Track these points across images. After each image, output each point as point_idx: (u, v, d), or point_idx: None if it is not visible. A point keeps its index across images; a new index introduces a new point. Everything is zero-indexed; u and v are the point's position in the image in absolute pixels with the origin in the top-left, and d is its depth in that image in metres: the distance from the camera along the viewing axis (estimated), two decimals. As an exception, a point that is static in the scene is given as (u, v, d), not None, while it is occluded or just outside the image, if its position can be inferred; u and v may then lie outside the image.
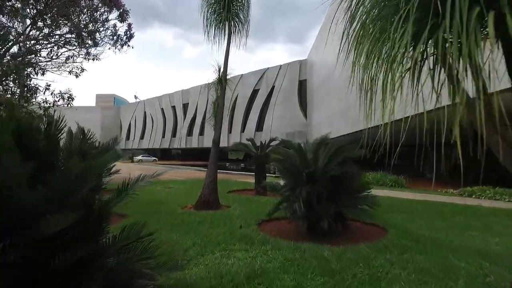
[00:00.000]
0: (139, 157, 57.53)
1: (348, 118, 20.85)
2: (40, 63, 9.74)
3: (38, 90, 8.49)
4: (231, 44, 7.52)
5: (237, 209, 7.29)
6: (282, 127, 41.43)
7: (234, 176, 18.63)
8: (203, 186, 7.63)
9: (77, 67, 10.49)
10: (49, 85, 8.79)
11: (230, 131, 49.33)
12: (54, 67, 10.20)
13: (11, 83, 8.94)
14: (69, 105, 9.20)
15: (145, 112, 69.28)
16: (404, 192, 11.49)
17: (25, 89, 7.97)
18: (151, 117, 67.27)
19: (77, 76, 10.49)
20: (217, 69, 7.58)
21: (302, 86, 44.06)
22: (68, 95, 9.12)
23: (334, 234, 5.01)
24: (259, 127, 45.29)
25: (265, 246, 4.32)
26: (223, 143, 48.25)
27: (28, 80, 8.07)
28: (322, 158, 5.26)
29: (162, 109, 64.54)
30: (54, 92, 8.98)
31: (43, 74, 8.73)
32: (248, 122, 46.26)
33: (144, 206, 7.53)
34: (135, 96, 67.89)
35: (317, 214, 4.88)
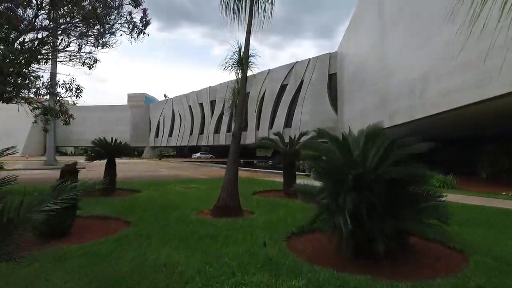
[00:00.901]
0: (198, 155, 61.40)
1: (386, 111, 18.96)
2: (49, 54, 9.00)
3: (31, 79, 7.68)
4: (253, 19, 6.28)
5: (261, 216, 6.06)
6: (311, 123, 39.74)
7: (261, 175, 17.44)
8: (221, 188, 6.48)
9: (89, 57, 9.69)
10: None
11: (258, 127, 48.50)
12: (66, 58, 9.45)
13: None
14: (77, 97, 8.42)
15: (173, 110, 69.90)
16: (459, 195, 9.73)
17: (19, 78, 7.17)
18: (179, 114, 67.71)
19: (90, 68, 9.70)
20: (237, 50, 6.34)
21: (332, 80, 42.20)
22: (76, 87, 8.31)
23: (390, 258, 3.65)
24: (288, 123, 43.93)
25: (297, 280, 3.04)
26: (250, 140, 47.40)
27: (25, 68, 7.26)
28: (373, 155, 3.91)
29: (190, 107, 64.72)
30: (59, 83, 8.17)
31: (46, 63, 7.97)
32: (276, 118, 45.00)
33: (155, 211, 6.50)
34: (164, 95, 68.55)
35: (368, 232, 3.55)
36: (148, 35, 10.53)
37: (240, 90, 6.60)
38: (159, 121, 74.60)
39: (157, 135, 74.90)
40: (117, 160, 8.63)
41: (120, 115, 78.65)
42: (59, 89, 8.40)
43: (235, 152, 6.56)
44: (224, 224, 5.33)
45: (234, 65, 6.42)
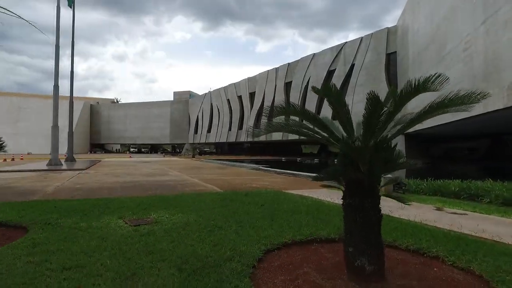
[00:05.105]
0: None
1: (496, 83, 12.08)
2: None
3: None
4: None
5: None
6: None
7: (303, 183, 11.68)
8: None
9: None
10: None
11: (302, 120, 42.76)
12: None
13: None
14: None
15: (211, 104, 66.12)
16: None
17: None
18: (218, 108, 63.69)
19: None
20: None
21: (390, 60, 35.09)
22: None
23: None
24: (337, 114, 37.24)
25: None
26: (294, 136, 41.63)
27: None
28: None
29: (228, 100, 60.35)
30: None
31: None
32: (322, 109, 38.62)
33: None
34: (209, 91, 65.75)
35: None
36: None
37: None
38: (197, 116, 71.43)
39: (196, 131, 71.86)
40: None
41: (160, 111, 76.91)
42: None
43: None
44: None
45: None
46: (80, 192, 9.10)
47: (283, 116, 3.59)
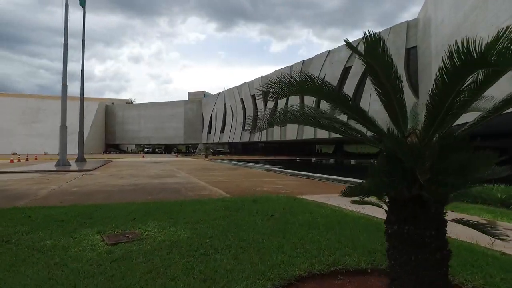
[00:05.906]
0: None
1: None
2: None
3: None
4: None
5: None
6: (383, 111, 31.06)
7: (319, 186, 10.55)
8: None
9: None
10: None
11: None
12: None
13: None
14: None
15: (225, 104, 65.39)
16: None
17: None
18: (231, 108, 62.89)
19: None
20: None
21: (410, 55, 33.46)
22: None
23: None
24: (353, 113, 35.81)
25: None
26: (309, 135, 40.12)
27: None
28: None
29: (242, 99, 59.46)
30: None
31: None
32: (338, 108, 37.16)
33: None
34: (222, 91, 65.46)
35: None
36: None
37: None
38: (211, 116, 70.83)
39: (209, 131, 71.32)
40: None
41: (174, 111, 76.76)
42: None
43: None
44: None
45: None
46: (73, 197, 8.29)
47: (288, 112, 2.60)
